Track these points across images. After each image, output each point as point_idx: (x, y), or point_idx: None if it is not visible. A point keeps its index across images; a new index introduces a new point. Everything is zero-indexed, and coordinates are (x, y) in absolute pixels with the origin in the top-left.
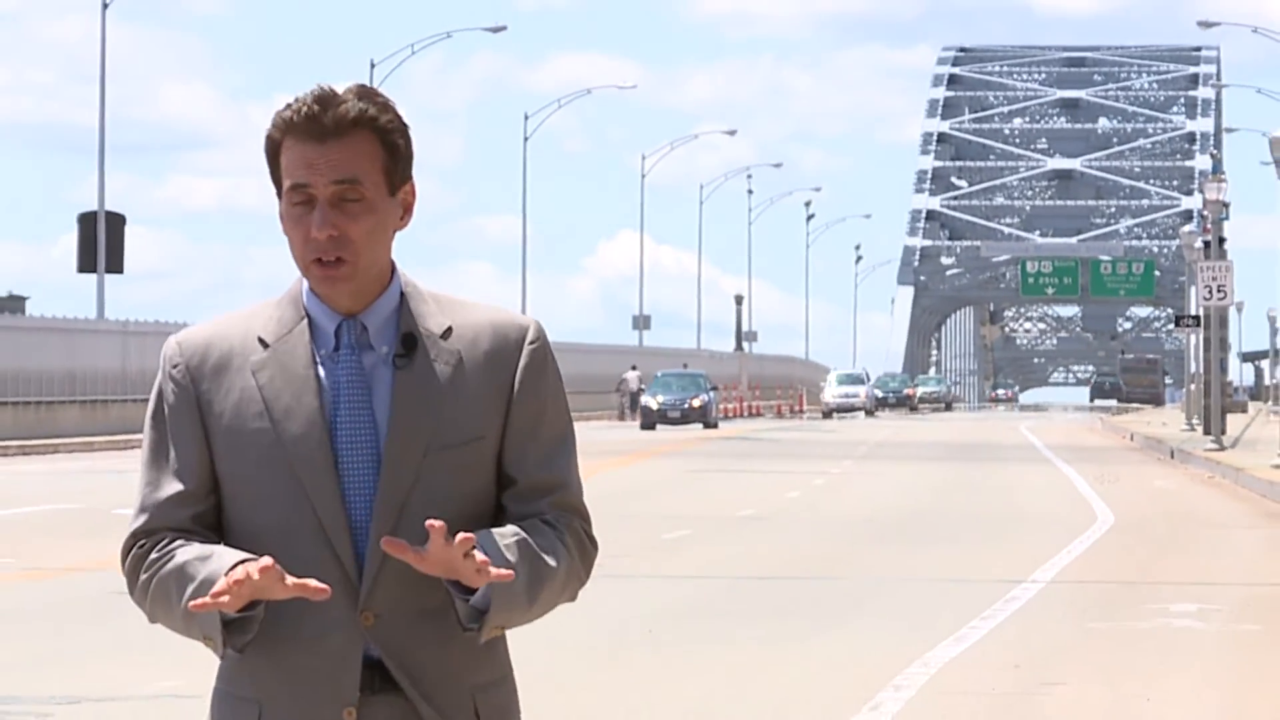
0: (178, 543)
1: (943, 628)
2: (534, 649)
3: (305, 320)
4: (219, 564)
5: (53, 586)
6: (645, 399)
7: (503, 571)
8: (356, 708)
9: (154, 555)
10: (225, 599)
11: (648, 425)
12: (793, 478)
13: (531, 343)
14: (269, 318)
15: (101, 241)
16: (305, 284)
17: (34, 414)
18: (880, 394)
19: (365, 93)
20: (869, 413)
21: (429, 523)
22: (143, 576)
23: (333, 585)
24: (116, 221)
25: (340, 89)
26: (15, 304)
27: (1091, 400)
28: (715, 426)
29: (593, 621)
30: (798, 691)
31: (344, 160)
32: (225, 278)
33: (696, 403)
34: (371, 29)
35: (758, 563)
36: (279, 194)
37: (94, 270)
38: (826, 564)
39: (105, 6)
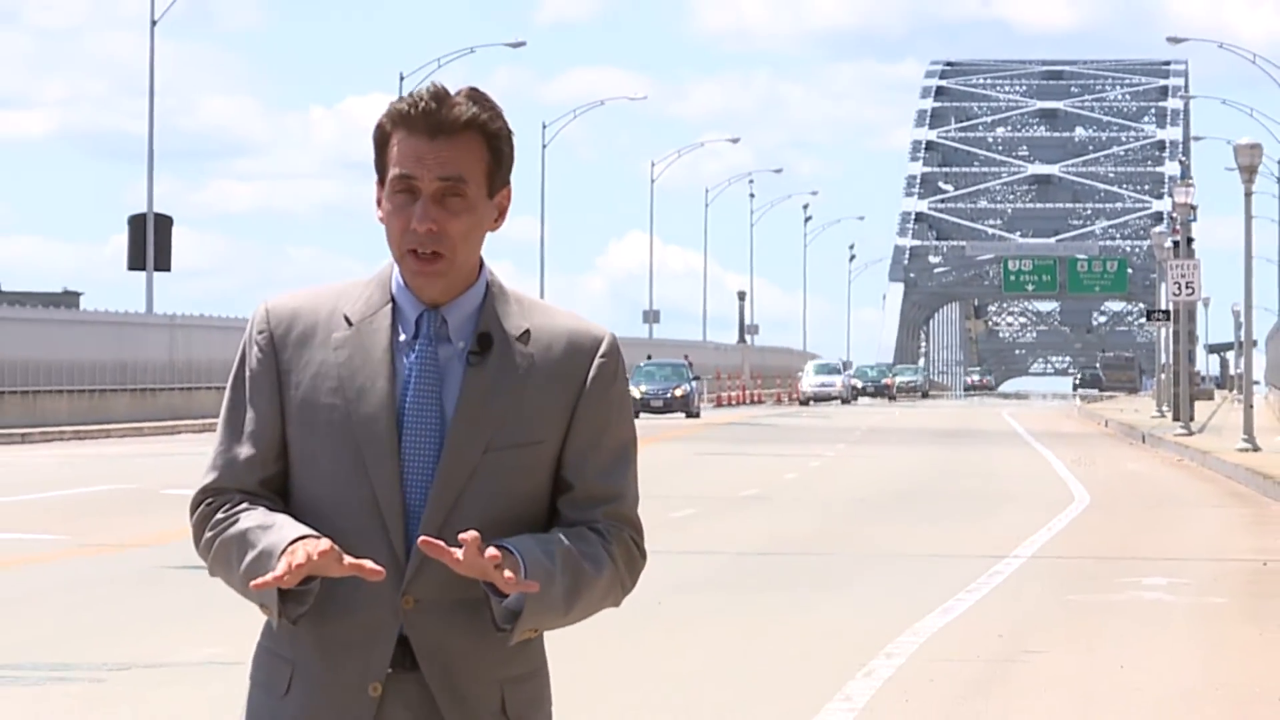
0: (243, 506)
1: (931, 599)
2: None
3: (391, 304)
4: (280, 535)
5: (105, 561)
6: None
7: (529, 583)
8: (384, 683)
9: (219, 515)
10: (285, 579)
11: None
12: (791, 460)
13: (603, 355)
14: (357, 297)
15: (150, 241)
16: (395, 269)
17: (87, 401)
18: (859, 384)
19: (477, 97)
20: (845, 401)
21: (461, 535)
22: (207, 534)
23: (380, 564)
24: (164, 223)
25: (453, 90)
26: (70, 299)
27: (1075, 390)
28: (697, 415)
29: None
30: (797, 658)
31: (452, 158)
32: (263, 275)
33: (679, 392)
34: (400, 44)
35: (759, 539)
36: (380, 181)
37: (143, 268)
38: (823, 540)
39: (154, 24)
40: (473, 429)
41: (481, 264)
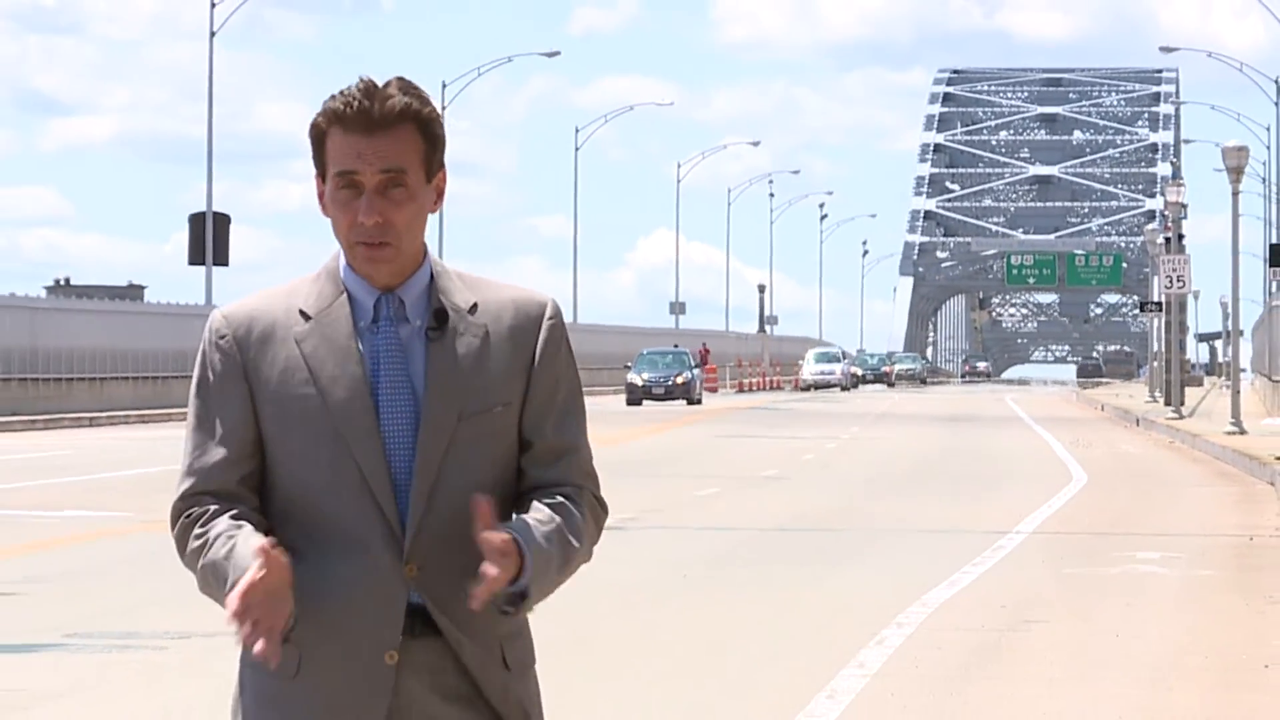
0: (215, 525)
1: (939, 572)
2: (582, 591)
3: (345, 294)
4: (240, 563)
5: (167, 536)
6: (631, 376)
7: (499, 579)
8: (398, 650)
9: (197, 530)
10: (269, 649)
11: (634, 401)
12: (808, 442)
13: (550, 319)
14: (309, 292)
15: (209, 238)
16: (341, 261)
17: (150, 387)
18: (860, 371)
19: (406, 86)
20: (845, 389)
21: (480, 504)
22: (192, 545)
23: (378, 538)
24: (222, 221)
25: (380, 82)
26: (135, 292)
27: (1078, 378)
28: (699, 402)
29: (634, 567)
30: (813, 627)
31: (390, 151)
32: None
33: (680, 379)
34: (442, 53)
35: (779, 516)
36: (322, 178)
37: (203, 263)
38: (839, 517)
39: (213, 35)
40: (445, 398)
41: (425, 247)
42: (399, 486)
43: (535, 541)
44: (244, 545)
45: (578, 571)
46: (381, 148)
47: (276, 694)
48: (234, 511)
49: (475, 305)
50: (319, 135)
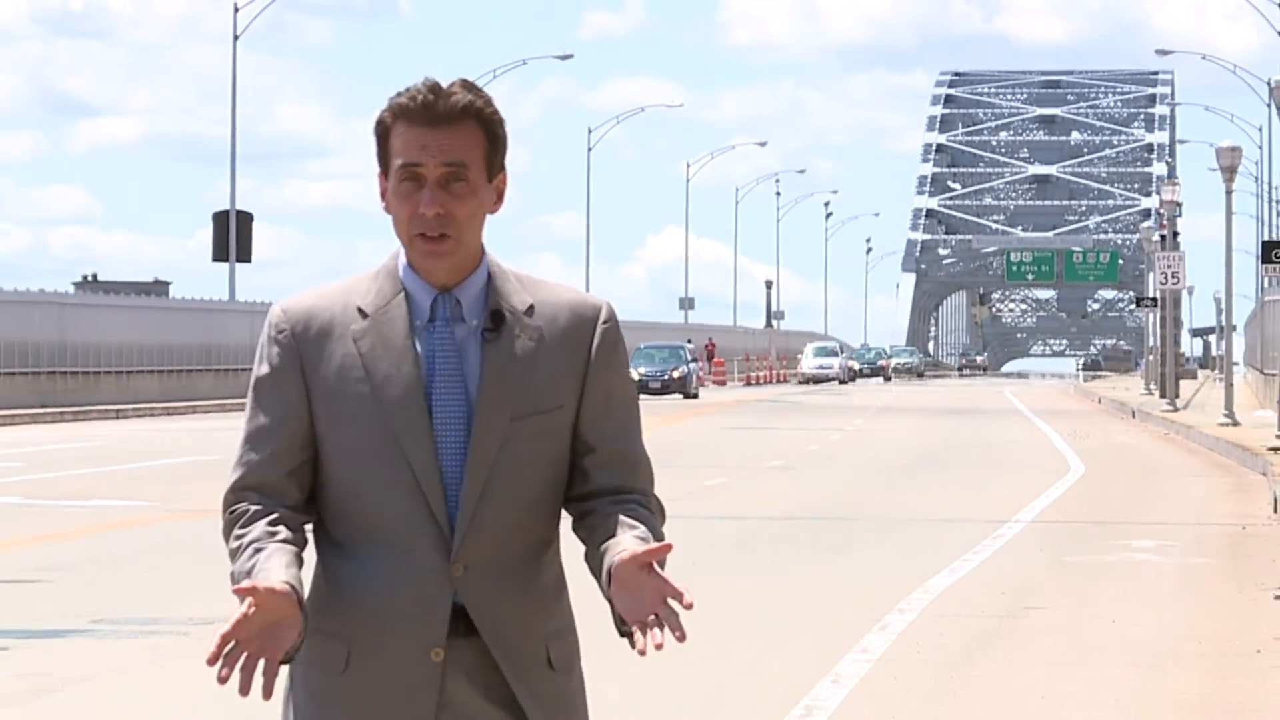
0: (251, 531)
1: (940, 560)
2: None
3: (402, 293)
4: (258, 579)
5: (192, 525)
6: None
7: (662, 547)
8: (444, 649)
9: (237, 530)
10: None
11: None
12: (814, 433)
13: (605, 322)
14: (367, 290)
15: (233, 235)
16: (401, 260)
17: (176, 381)
18: (857, 365)
19: (470, 86)
20: (843, 382)
21: (652, 551)
22: (231, 545)
23: (427, 537)
24: (245, 219)
25: (445, 83)
26: (160, 288)
27: (1079, 370)
28: (695, 396)
29: None
30: (818, 613)
31: (454, 145)
32: (335, 266)
33: (676, 374)
34: (459, 56)
35: (785, 505)
36: (384, 173)
37: (226, 259)
38: (843, 506)
39: (236, 39)
40: (498, 400)
41: (483, 247)
42: (449, 486)
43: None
44: (265, 563)
45: (571, 560)
46: (445, 141)
47: (326, 689)
48: (274, 516)
49: (531, 307)
50: (384, 131)
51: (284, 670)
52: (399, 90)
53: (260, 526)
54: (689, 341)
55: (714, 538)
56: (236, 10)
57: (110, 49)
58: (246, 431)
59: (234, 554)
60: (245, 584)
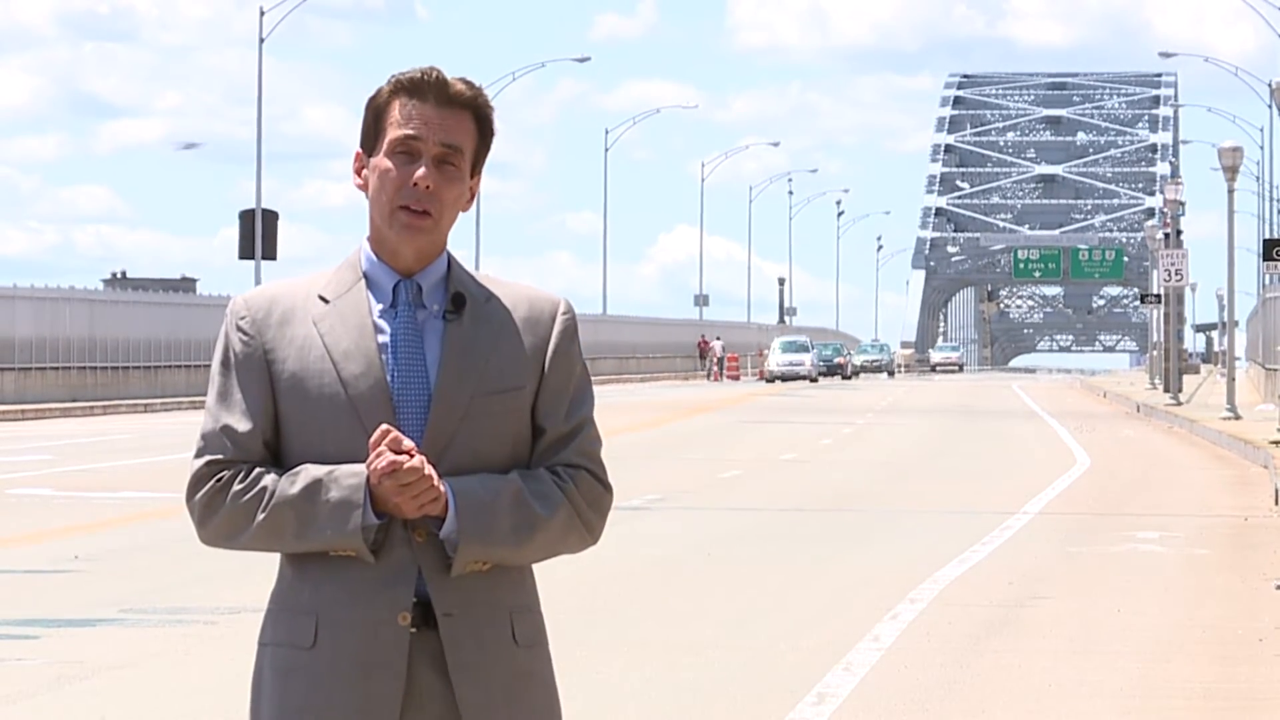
0: (265, 477)
1: (950, 551)
2: (614, 564)
3: (363, 281)
4: (341, 473)
5: None
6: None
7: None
8: (410, 613)
9: (237, 486)
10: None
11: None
12: (825, 428)
13: (564, 314)
14: (328, 280)
15: (258, 233)
16: (364, 252)
17: (202, 375)
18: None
19: (470, 83)
20: (813, 380)
21: (410, 450)
22: (242, 499)
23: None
24: (270, 217)
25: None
26: (188, 285)
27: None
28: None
29: (661, 544)
30: (830, 603)
31: (454, 128)
32: None
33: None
34: (478, 59)
35: (797, 497)
36: (370, 148)
37: (252, 257)
38: (853, 498)
39: (261, 42)
40: (458, 376)
41: (446, 240)
42: None
43: (470, 491)
44: (340, 469)
45: (591, 549)
46: (447, 122)
47: (295, 665)
48: (271, 472)
49: (493, 296)
50: (379, 107)
51: (252, 653)
52: (402, 71)
53: (272, 473)
54: (719, 338)
55: (728, 528)
56: (263, 14)
57: (136, 51)
58: (215, 413)
59: (257, 499)
60: (381, 461)
